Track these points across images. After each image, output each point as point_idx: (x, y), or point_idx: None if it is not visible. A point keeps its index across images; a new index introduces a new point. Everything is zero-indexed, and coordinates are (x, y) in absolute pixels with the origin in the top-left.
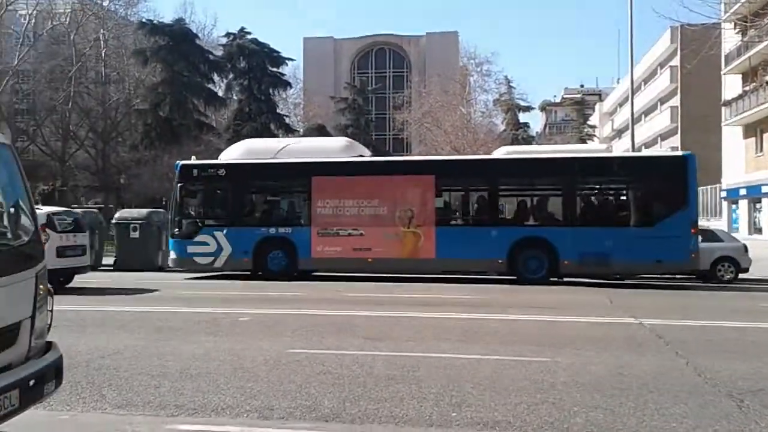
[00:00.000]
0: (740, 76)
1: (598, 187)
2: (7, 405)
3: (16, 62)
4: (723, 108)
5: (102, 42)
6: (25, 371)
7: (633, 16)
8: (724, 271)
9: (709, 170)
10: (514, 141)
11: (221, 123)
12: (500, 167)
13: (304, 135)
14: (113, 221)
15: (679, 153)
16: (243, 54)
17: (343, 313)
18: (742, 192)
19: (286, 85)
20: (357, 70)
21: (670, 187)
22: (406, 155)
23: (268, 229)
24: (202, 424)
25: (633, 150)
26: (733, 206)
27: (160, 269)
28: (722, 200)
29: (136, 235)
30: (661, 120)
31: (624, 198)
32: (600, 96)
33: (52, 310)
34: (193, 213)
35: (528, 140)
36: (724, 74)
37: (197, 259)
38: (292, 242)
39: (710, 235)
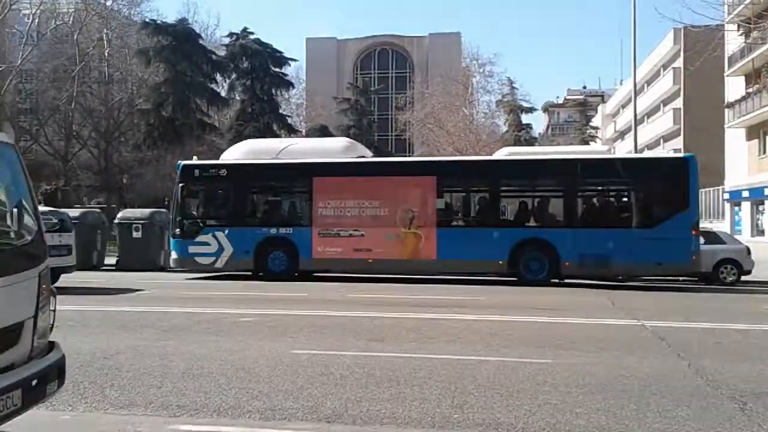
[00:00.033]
0: (743, 78)
1: (599, 188)
2: (9, 405)
3: (19, 62)
4: (726, 110)
5: (105, 42)
6: (28, 371)
7: (636, 18)
8: (727, 273)
9: (712, 172)
10: (517, 142)
11: (224, 123)
12: (501, 168)
13: (307, 135)
14: (116, 221)
15: (680, 155)
16: (246, 54)
17: (344, 314)
18: (745, 194)
19: (289, 85)
20: (360, 70)
21: (671, 189)
22: (409, 156)
23: (269, 229)
24: (204, 425)
25: (636, 152)
26: (736, 208)
27: (163, 269)
28: (725, 202)
29: (138, 235)
30: (664, 122)
31: (625, 199)
32: (602, 97)
33: (54, 310)
34: (194, 213)
35: (531, 141)
36: (727, 76)
37: (198, 260)
38: (293, 243)
39: (713, 237)
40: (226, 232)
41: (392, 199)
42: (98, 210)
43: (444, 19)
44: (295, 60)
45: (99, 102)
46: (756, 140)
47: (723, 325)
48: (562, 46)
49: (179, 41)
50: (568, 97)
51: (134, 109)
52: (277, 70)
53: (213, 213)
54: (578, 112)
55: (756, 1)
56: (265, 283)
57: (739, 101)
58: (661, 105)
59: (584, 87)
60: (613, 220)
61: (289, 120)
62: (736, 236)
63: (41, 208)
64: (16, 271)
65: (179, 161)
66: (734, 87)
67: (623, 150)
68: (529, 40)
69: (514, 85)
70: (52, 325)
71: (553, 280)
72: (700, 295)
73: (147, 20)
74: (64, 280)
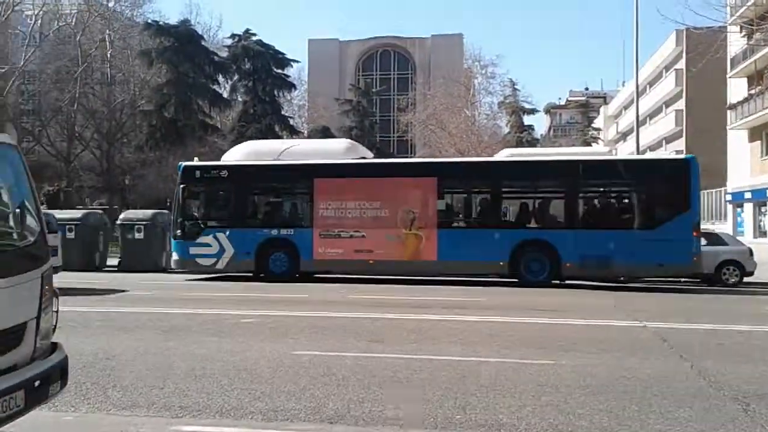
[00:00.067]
0: (746, 79)
1: (600, 189)
2: (12, 405)
3: (22, 63)
4: (728, 111)
5: (108, 43)
6: (31, 372)
7: (638, 19)
8: (729, 274)
9: (715, 174)
10: (519, 143)
11: (226, 124)
12: (502, 169)
13: (309, 137)
14: (118, 222)
15: (681, 156)
16: (248, 55)
17: (346, 315)
18: (748, 195)
19: (291, 86)
20: (362, 72)
21: (672, 190)
22: (411, 157)
23: (270, 230)
24: (206, 426)
25: (638, 153)
26: (738, 210)
27: (165, 270)
28: (727, 204)
29: (140, 236)
30: (666, 123)
31: (626, 201)
32: (605, 99)
33: (57, 311)
34: (195, 214)
35: (532, 143)
36: (730, 78)
37: (199, 261)
38: (294, 244)
39: (715, 239)
40: (227, 233)
41: (393, 200)
42: (100, 211)
43: (446, 21)
44: (297, 61)
45: (101, 103)
46: (758, 142)
47: (725, 326)
48: (564, 48)
49: (182, 42)
50: (570, 99)
51: (136, 110)
52: (279, 71)
53: (214, 214)
54: (580, 114)
55: (758, 2)
56: (266, 284)
57: (741, 103)
58: (664, 106)
59: (586, 88)
60: (614, 222)
61: (291, 121)
62: (738, 238)
63: None
64: (19, 272)
65: (180, 162)
66: (737, 88)
67: (625, 151)
68: (531, 42)
69: (516, 86)
70: (55, 326)
71: (553, 282)
72: (702, 296)
73: (149, 21)
74: (66, 281)
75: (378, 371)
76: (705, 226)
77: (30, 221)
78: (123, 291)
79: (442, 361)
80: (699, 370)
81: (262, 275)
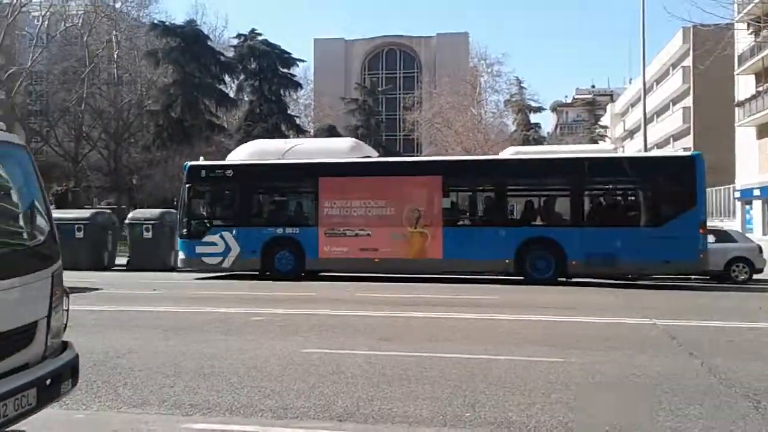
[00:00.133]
0: (753, 76)
1: (605, 187)
2: (24, 404)
3: (29, 63)
4: (736, 108)
5: (114, 43)
6: (42, 370)
7: (645, 17)
8: (739, 271)
9: (723, 171)
10: (525, 142)
11: (232, 124)
12: (508, 167)
13: (315, 136)
14: (126, 222)
15: (687, 153)
16: (254, 55)
17: (354, 313)
18: (756, 192)
19: (297, 86)
20: (367, 70)
21: (678, 187)
22: (417, 156)
23: (275, 229)
24: (216, 423)
25: (645, 151)
26: (747, 207)
27: (173, 269)
28: (736, 201)
29: (148, 235)
30: (674, 121)
31: (632, 198)
32: (611, 96)
33: (68, 310)
34: (201, 213)
35: (539, 141)
36: (737, 75)
37: (206, 260)
38: (300, 242)
39: (724, 236)
40: (233, 232)
41: (398, 198)
42: (108, 211)
43: (451, 20)
44: (303, 61)
45: (108, 103)
46: (766, 138)
47: (735, 323)
48: (570, 46)
49: (188, 43)
50: (576, 97)
51: (143, 110)
52: (285, 70)
53: (220, 213)
54: (587, 112)
55: None
56: (273, 282)
57: (749, 100)
58: (671, 104)
59: (593, 86)
60: (620, 219)
61: (298, 120)
62: (747, 235)
63: None
64: (29, 272)
65: (186, 162)
66: (744, 86)
67: (633, 149)
68: (537, 40)
69: (522, 84)
70: (65, 324)
71: (559, 279)
72: (711, 293)
73: (156, 22)
74: (78, 280)
75: (387, 369)
76: (714, 223)
77: (40, 221)
78: (131, 290)
79: (451, 359)
80: (709, 368)
81: (267, 274)
